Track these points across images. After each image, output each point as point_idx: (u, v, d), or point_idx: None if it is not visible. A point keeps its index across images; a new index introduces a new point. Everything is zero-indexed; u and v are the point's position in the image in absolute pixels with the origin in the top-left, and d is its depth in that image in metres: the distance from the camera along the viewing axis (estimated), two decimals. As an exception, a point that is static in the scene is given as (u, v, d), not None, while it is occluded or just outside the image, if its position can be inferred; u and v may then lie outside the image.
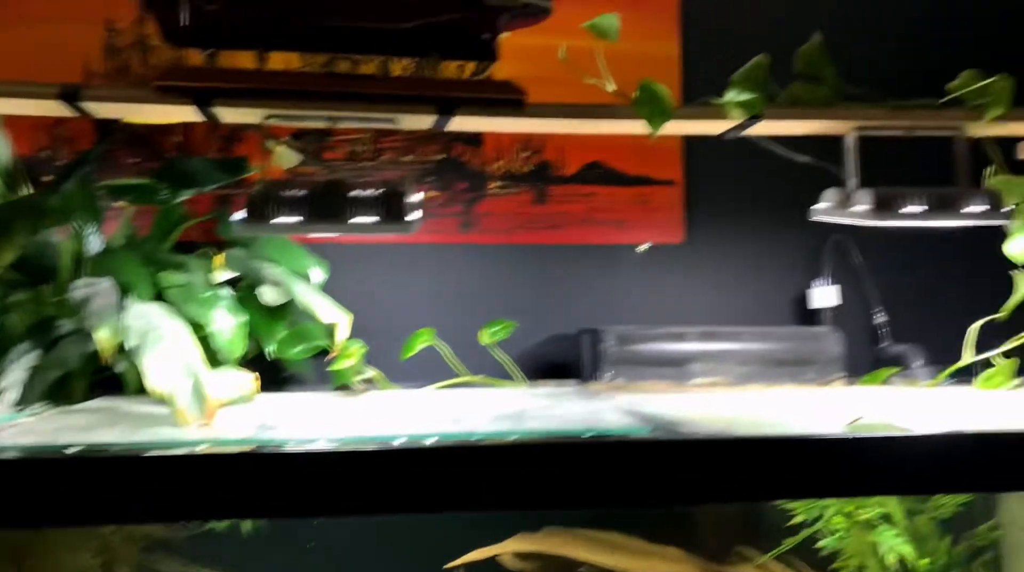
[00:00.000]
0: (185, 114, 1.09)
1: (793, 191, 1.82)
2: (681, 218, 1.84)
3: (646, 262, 1.84)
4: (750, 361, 1.58)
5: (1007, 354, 1.36)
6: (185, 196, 1.38)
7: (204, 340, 1.21)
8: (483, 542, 1.22)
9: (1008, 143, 1.31)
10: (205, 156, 1.53)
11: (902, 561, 1.12)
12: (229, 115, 1.10)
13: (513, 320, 1.51)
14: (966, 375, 1.47)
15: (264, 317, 1.32)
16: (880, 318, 1.80)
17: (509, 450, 0.84)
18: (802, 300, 1.83)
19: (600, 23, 1.09)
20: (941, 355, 1.64)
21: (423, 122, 1.13)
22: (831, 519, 1.13)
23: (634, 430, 0.96)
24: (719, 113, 1.16)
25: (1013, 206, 1.19)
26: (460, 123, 1.14)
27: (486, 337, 1.50)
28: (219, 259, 1.29)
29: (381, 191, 1.06)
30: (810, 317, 1.81)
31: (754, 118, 1.14)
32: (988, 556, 1.21)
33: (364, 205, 1.04)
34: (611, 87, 1.11)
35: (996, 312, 1.37)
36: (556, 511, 0.92)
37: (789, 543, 1.16)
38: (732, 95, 1.13)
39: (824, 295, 1.78)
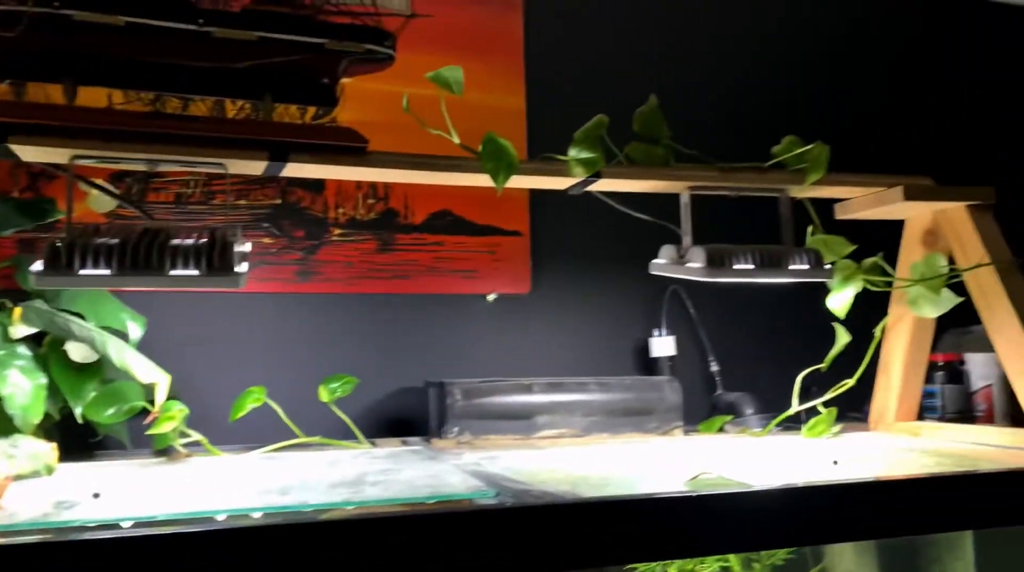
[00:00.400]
0: (-25, 151, 0.96)
1: (634, 243, 1.88)
2: (528, 269, 1.84)
3: (494, 312, 1.82)
4: (595, 412, 1.59)
5: (827, 403, 1.44)
6: (-21, 240, 1.22)
7: (-5, 405, 1.06)
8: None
9: (826, 204, 1.41)
10: (6, 195, 1.38)
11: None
12: (31, 153, 0.98)
13: (355, 374, 1.44)
14: (795, 421, 1.55)
15: (72, 376, 1.18)
16: (714, 367, 1.87)
17: (343, 525, 0.78)
18: (643, 349, 1.87)
19: (443, 75, 1.07)
20: (771, 402, 1.73)
21: (255, 167, 1.06)
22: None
23: (478, 495, 0.92)
24: (562, 169, 1.17)
25: (831, 264, 1.26)
26: (297, 169, 1.08)
27: (326, 394, 1.42)
28: (18, 312, 1.15)
29: (205, 240, 0.98)
30: (651, 365, 1.86)
31: (595, 175, 1.15)
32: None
33: (186, 255, 0.95)
34: (456, 139, 1.08)
35: (821, 361, 1.45)
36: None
37: None
38: (574, 153, 1.14)
39: (662, 345, 1.83)
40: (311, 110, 1.71)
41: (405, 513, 0.82)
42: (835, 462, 1.05)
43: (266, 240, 1.68)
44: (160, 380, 1.12)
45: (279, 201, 1.71)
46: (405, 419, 1.73)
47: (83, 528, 0.79)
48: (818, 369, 1.45)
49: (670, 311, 1.87)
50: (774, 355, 1.92)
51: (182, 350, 1.59)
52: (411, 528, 0.80)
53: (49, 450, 1.06)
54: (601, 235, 1.89)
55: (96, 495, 0.89)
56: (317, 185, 1.73)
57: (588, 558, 0.84)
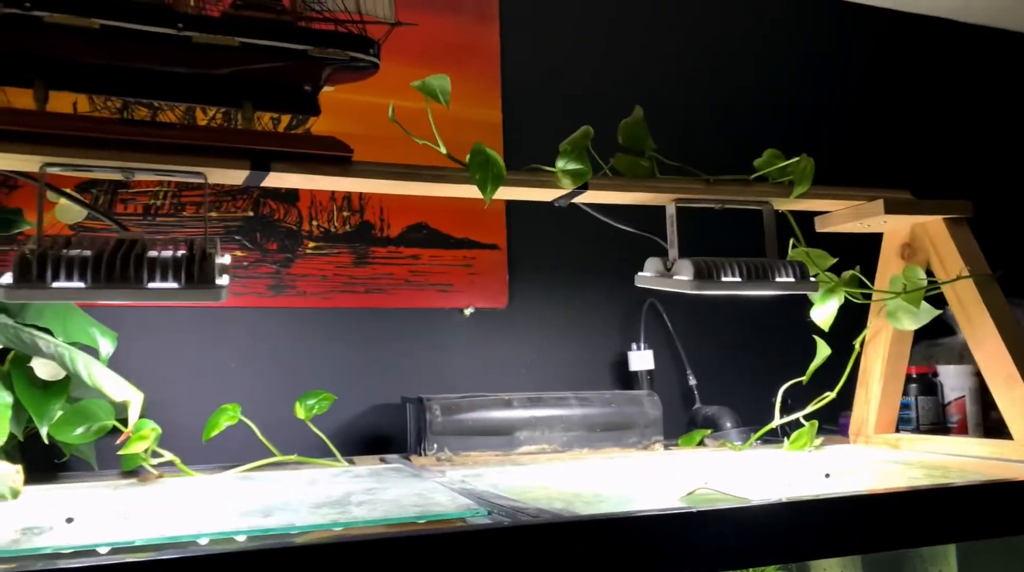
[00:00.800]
0: (-60, 157, 0.91)
1: (612, 256, 1.88)
2: (505, 282, 1.82)
3: (471, 327, 1.80)
4: (575, 427, 1.57)
5: (808, 417, 1.44)
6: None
7: (-45, 425, 1.01)
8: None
9: (805, 218, 1.41)
10: (-34, 206, 1.32)
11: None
12: (-2, 161, 0.94)
13: (331, 391, 1.40)
14: (773, 435, 1.55)
15: (37, 394, 1.13)
16: (692, 381, 1.86)
17: (332, 548, 0.74)
18: (621, 362, 1.86)
19: (430, 84, 1.05)
20: (749, 416, 1.73)
21: (235, 177, 1.02)
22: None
23: (470, 514, 0.90)
24: (548, 181, 1.15)
25: (813, 276, 1.27)
26: (278, 179, 1.05)
27: (302, 412, 1.38)
28: (-21, 328, 1.09)
29: (183, 252, 0.94)
30: (629, 379, 1.85)
31: (583, 187, 1.14)
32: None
33: (164, 268, 0.91)
34: (443, 149, 1.06)
35: (798, 374, 1.45)
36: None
37: None
38: (561, 164, 1.13)
39: (640, 359, 1.82)
40: (284, 120, 1.67)
41: (397, 535, 0.79)
42: (827, 475, 1.04)
43: (238, 253, 1.64)
44: (133, 398, 1.08)
45: (251, 213, 1.67)
46: (382, 436, 1.69)
47: (57, 556, 0.74)
48: (799, 382, 1.45)
49: (648, 324, 1.86)
50: (751, 368, 1.93)
51: (152, 367, 1.54)
52: (404, 550, 0.77)
53: (14, 473, 1.01)
54: (578, 249, 1.88)
55: (70, 519, 0.85)
56: (291, 197, 1.69)
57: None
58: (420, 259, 1.78)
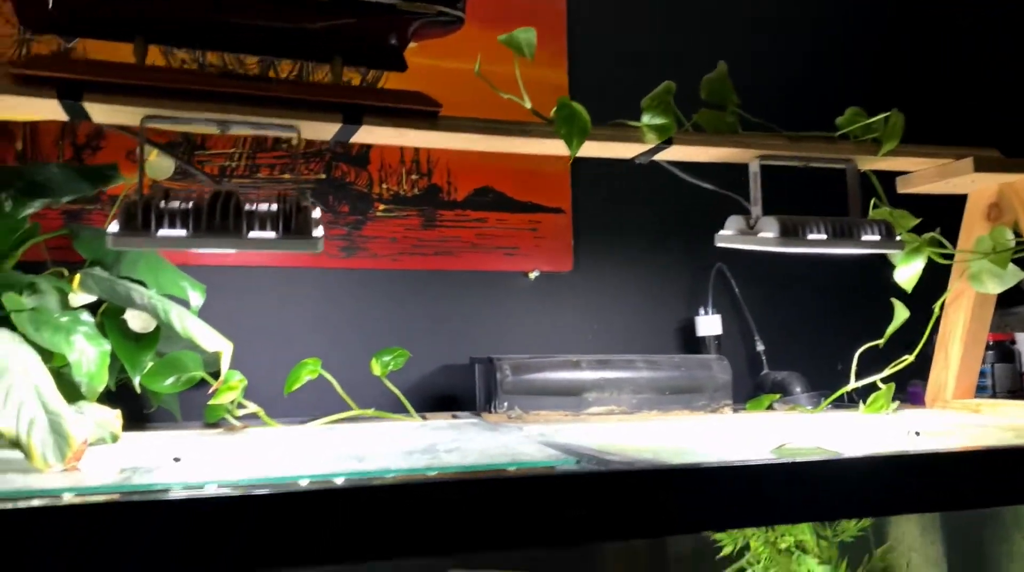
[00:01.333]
0: (48, 110, 0.94)
1: (676, 220, 1.87)
2: (570, 246, 1.82)
3: (536, 290, 1.80)
4: (643, 389, 1.57)
5: (885, 381, 1.42)
6: (34, 208, 1.20)
7: (59, 373, 1.04)
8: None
9: (886, 178, 1.39)
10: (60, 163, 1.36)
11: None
12: (101, 113, 0.96)
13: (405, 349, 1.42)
14: (842, 402, 1.53)
15: (130, 345, 1.16)
16: (760, 346, 1.85)
17: (439, 487, 0.76)
18: (687, 328, 1.86)
19: (516, 37, 1.05)
20: (818, 382, 1.71)
21: (326, 131, 1.04)
22: (756, 549, 1.12)
23: (560, 463, 0.91)
24: (632, 135, 1.14)
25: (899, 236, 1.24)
26: (367, 134, 1.06)
27: (378, 368, 1.40)
28: (77, 279, 1.13)
29: (282, 204, 0.96)
30: (696, 345, 1.84)
31: (667, 142, 1.13)
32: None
33: (263, 218, 0.93)
34: (528, 103, 1.06)
35: (870, 340, 1.43)
36: (488, 551, 0.85)
37: None
38: (647, 118, 1.12)
39: (708, 324, 1.81)
40: (355, 80, 1.68)
41: (497, 476, 0.80)
42: (917, 433, 1.03)
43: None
44: (224, 348, 1.10)
45: (324, 176, 1.69)
46: (450, 395, 1.71)
47: (168, 491, 0.77)
48: (875, 346, 1.43)
49: (715, 290, 1.85)
50: (820, 335, 1.90)
51: (231, 325, 1.57)
52: (505, 491, 0.78)
53: (113, 417, 1.05)
54: (643, 212, 1.87)
55: (177, 459, 0.87)
56: (361, 160, 1.71)
57: (677, 524, 0.82)
58: (486, 222, 1.78)
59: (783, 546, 1.12)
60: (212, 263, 1.53)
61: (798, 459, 0.82)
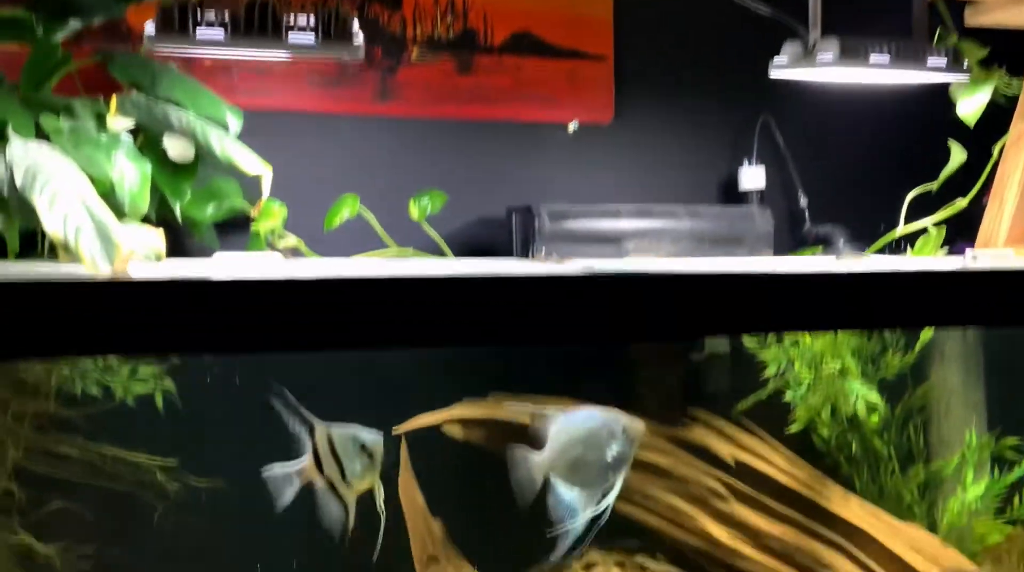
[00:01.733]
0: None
1: (720, 69, 1.79)
2: (611, 95, 1.76)
3: (575, 143, 1.76)
4: (683, 239, 1.55)
5: (936, 225, 1.38)
6: (66, 32, 1.16)
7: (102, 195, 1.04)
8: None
9: (957, 9, 1.30)
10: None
11: (852, 418, 1.13)
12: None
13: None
14: (884, 250, 1.50)
15: (170, 173, 1.15)
16: (803, 201, 1.80)
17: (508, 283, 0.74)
18: (730, 182, 1.81)
19: None
20: (860, 235, 1.68)
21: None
22: (799, 371, 1.13)
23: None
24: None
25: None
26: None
27: (416, 211, 1.39)
28: (114, 103, 1.11)
29: (321, 12, 0.92)
30: (737, 199, 1.80)
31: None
32: (922, 415, 1.25)
33: (303, 23, 0.89)
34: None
35: (907, 193, 1.38)
36: (535, 347, 0.85)
37: (754, 397, 1.15)
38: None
39: (751, 176, 1.76)
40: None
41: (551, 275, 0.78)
42: (975, 257, 1.00)
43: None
44: (264, 171, 1.09)
45: (356, 15, 1.62)
46: (487, 246, 1.70)
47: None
48: (928, 191, 1.38)
49: (760, 143, 1.79)
50: (866, 187, 1.84)
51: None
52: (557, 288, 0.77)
53: (156, 237, 1.04)
54: (688, 60, 1.79)
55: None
56: (394, 1, 1.64)
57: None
58: (523, 70, 1.72)
59: (827, 373, 1.11)
60: (249, 105, 1.50)
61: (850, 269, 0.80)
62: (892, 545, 1.07)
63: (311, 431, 0.87)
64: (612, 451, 0.90)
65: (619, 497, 1.11)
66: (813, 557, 1.07)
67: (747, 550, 1.07)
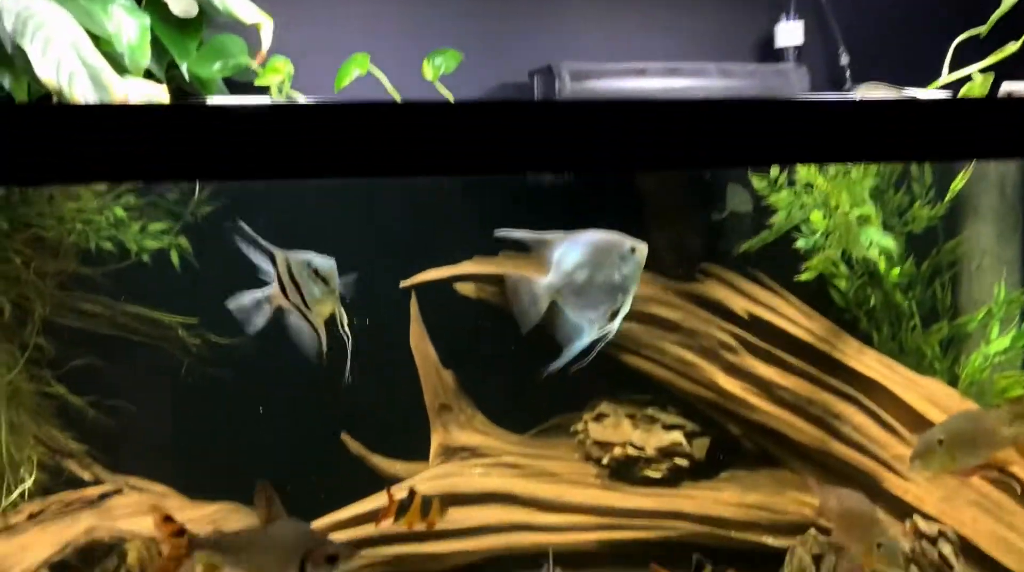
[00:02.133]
0: None
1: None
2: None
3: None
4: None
5: (984, 71, 1.29)
6: None
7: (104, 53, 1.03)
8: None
9: None
10: None
11: (873, 272, 1.09)
12: None
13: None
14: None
15: (174, 31, 1.13)
16: (844, 59, 1.70)
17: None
18: (765, 41, 1.71)
19: None
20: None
21: None
22: (815, 220, 1.08)
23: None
24: None
25: None
26: None
27: (429, 71, 1.34)
28: (110, -45, 1.08)
29: None
30: (772, 57, 1.70)
31: None
32: (951, 272, 1.20)
33: None
34: None
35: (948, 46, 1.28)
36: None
37: (762, 238, 1.11)
38: None
39: (788, 32, 1.66)
40: None
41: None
42: (1008, 93, 0.93)
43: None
44: (264, 21, 1.06)
45: None
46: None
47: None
48: (976, 36, 1.28)
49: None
50: (911, 40, 1.72)
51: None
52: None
53: (161, 91, 1.04)
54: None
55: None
56: None
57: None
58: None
59: (843, 219, 1.07)
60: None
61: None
62: (908, 397, 1.05)
63: (272, 259, 0.89)
64: (619, 272, 0.87)
65: (629, 350, 1.11)
66: (825, 408, 1.06)
67: (758, 402, 1.07)
